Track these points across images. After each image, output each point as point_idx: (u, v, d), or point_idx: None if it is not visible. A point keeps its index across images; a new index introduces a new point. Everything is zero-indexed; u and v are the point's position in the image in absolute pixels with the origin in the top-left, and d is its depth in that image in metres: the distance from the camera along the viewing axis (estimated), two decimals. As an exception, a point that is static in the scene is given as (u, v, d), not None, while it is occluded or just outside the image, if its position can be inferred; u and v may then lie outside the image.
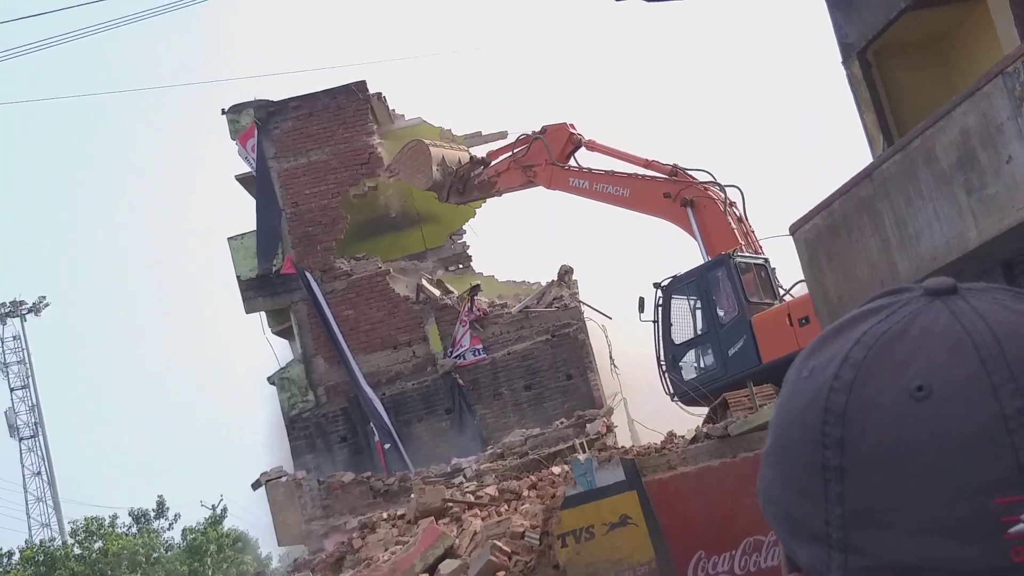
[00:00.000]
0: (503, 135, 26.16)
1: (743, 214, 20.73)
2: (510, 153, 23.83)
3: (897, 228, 10.59)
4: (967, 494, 0.75)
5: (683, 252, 21.03)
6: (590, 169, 22.64)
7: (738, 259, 19.14)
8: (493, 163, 24.21)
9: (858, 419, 0.79)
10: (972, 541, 0.75)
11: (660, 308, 19.77)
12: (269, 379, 24.41)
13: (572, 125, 23.34)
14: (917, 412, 0.77)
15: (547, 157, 22.86)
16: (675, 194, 20.78)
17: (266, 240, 24.40)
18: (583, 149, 23.03)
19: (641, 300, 19.77)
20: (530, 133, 23.58)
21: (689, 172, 21.28)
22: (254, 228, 24.70)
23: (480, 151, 25.25)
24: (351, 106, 24.94)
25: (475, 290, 24.23)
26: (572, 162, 23.03)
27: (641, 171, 21.89)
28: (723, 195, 20.72)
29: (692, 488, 16.33)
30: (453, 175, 24.46)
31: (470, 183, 24.40)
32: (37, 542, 44.91)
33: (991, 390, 0.76)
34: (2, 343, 59.92)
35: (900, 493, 0.77)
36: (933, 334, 0.80)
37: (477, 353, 23.64)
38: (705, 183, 21.01)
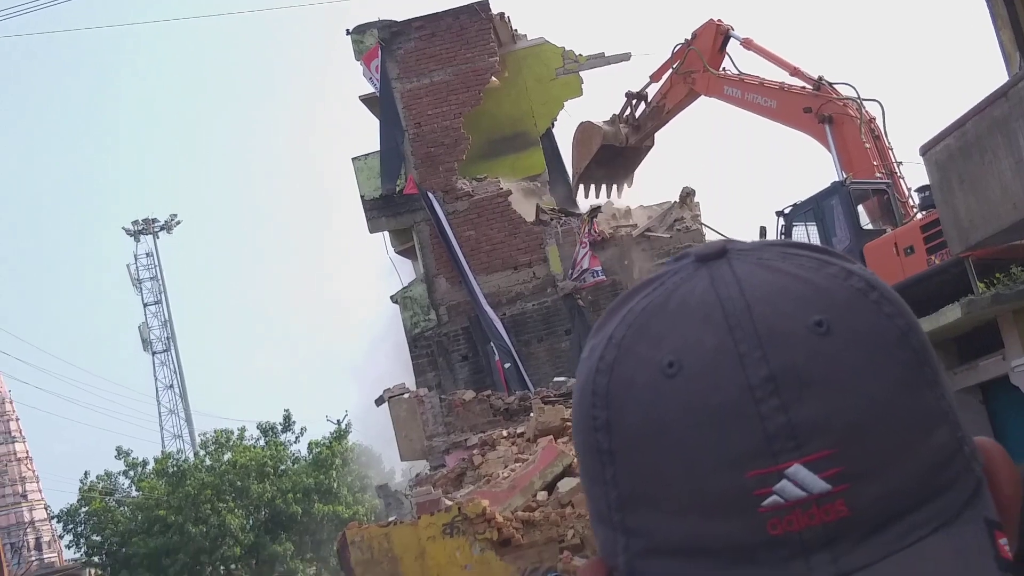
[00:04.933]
0: (626, 57, 25.89)
1: (883, 130, 20.36)
2: (670, 70, 23.83)
3: (1033, 149, 10.27)
4: (720, 469, 0.72)
5: (800, 178, 20.77)
6: (742, 78, 22.50)
7: (854, 186, 18.81)
8: (658, 85, 24.30)
9: (619, 400, 0.77)
10: (730, 517, 0.72)
11: (783, 236, 19.54)
12: (392, 298, 24.77)
13: (718, 20, 23.21)
14: (669, 388, 0.74)
15: (702, 64, 22.87)
16: (815, 109, 20.57)
17: (389, 161, 24.63)
18: (740, 48, 22.83)
19: (763, 229, 19.60)
20: (682, 44, 23.56)
21: (834, 85, 20.94)
22: (378, 149, 24.93)
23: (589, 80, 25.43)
24: (473, 26, 24.90)
25: (595, 212, 24.20)
26: (727, 62, 22.96)
27: (788, 79, 21.71)
28: (863, 112, 20.33)
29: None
30: (620, 120, 24.82)
31: (642, 117, 24.71)
32: (168, 453, 46.47)
33: (738, 359, 0.73)
34: (136, 260, 61.69)
35: (661, 473, 0.74)
36: (689, 305, 0.77)
37: (596, 275, 23.64)
38: (845, 99, 20.65)
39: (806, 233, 19.46)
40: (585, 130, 24.98)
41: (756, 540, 0.72)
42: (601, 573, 0.80)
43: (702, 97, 23.45)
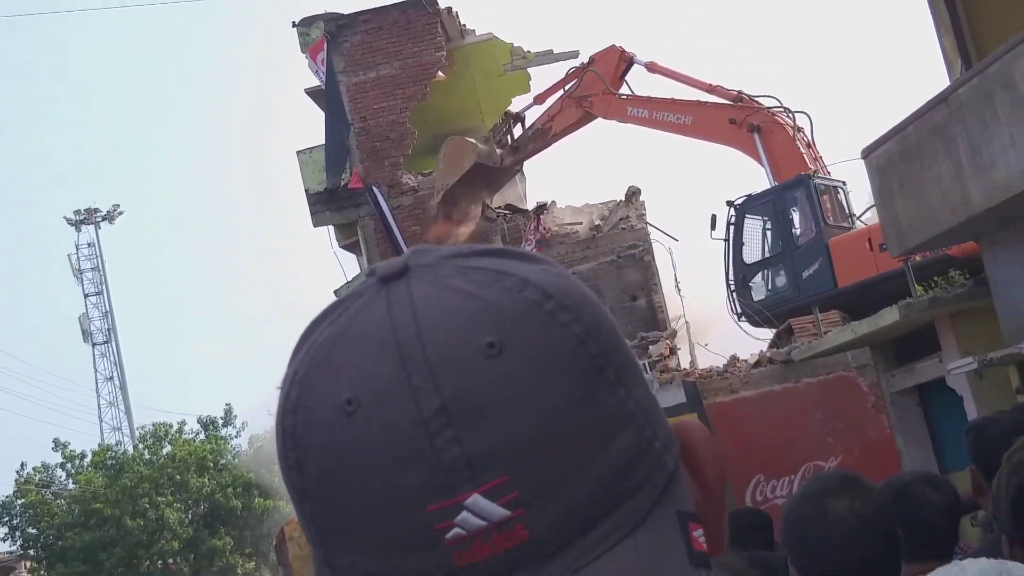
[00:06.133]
0: (575, 54, 25.78)
1: (811, 140, 20.35)
2: (561, 91, 23.27)
3: (971, 155, 10.36)
4: (400, 507, 0.72)
5: (752, 173, 20.71)
6: (649, 97, 21.97)
7: (817, 181, 18.88)
8: (545, 107, 23.64)
9: (305, 440, 0.76)
10: (417, 553, 0.72)
11: (732, 227, 19.50)
12: (336, 293, 24.62)
13: (621, 46, 22.77)
14: (349, 426, 0.73)
15: (603, 87, 22.23)
16: (741, 120, 20.18)
17: (335, 154, 24.47)
18: (645, 72, 22.40)
19: (713, 217, 19.51)
20: (578, 66, 23.10)
21: (755, 99, 20.83)
22: (323, 142, 24.78)
23: (537, 77, 25.00)
24: (420, 20, 24.79)
25: (541, 209, 24.17)
26: (625, 88, 22.43)
27: (705, 97, 21.29)
28: (791, 121, 20.31)
29: (753, 412, 16.35)
30: (494, 139, 24.09)
31: (522, 138, 23.93)
32: (106, 446, 46.05)
33: (410, 392, 0.72)
34: (77, 250, 60.97)
35: (349, 512, 0.74)
36: (367, 334, 0.75)
37: (542, 272, 23.58)
38: (772, 108, 20.57)
39: (761, 225, 19.48)
40: (456, 145, 23.90)
41: (444, 573, 0.72)
42: None
43: (597, 120, 22.75)
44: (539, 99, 23.90)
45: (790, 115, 20.36)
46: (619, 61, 22.52)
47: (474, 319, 0.74)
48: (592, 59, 22.89)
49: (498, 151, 23.99)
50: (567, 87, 23.14)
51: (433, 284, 0.76)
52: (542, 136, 23.66)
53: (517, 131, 24.20)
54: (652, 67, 22.32)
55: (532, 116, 24.07)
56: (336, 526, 0.75)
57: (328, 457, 0.74)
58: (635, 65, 22.56)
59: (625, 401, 0.76)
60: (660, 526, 0.75)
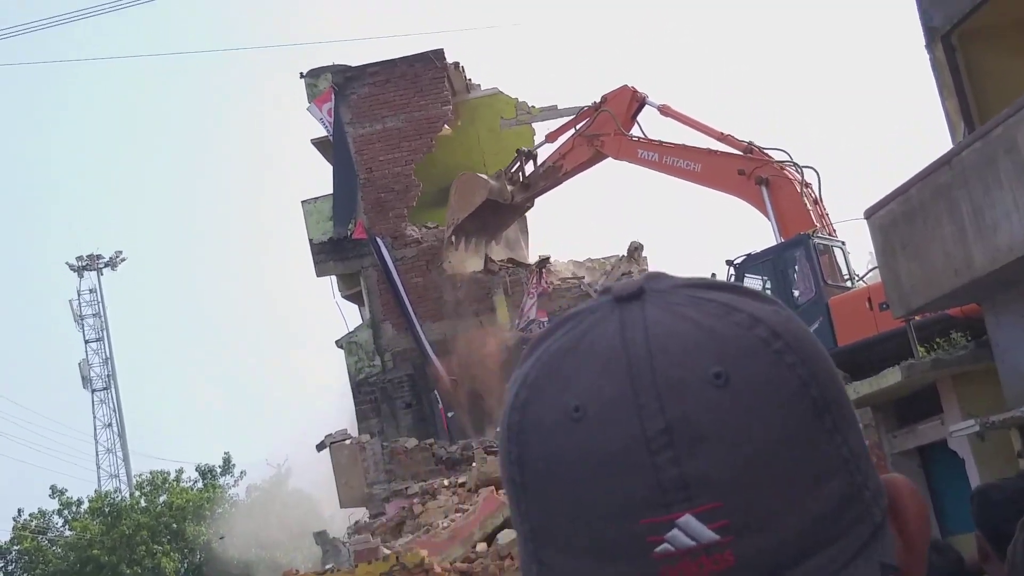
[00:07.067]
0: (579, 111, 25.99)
1: (819, 196, 20.39)
2: (573, 130, 23.41)
3: (974, 217, 10.41)
4: (614, 516, 0.76)
5: (752, 232, 20.73)
6: (660, 142, 22.08)
7: (816, 240, 18.88)
8: (557, 145, 23.79)
9: (528, 439, 0.80)
10: (624, 562, 0.76)
11: None
12: (337, 343, 24.63)
13: (633, 86, 22.94)
14: (572, 433, 0.77)
15: (614, 127, 22.36)
16: (749, 172, 20.29)
17: (343, 204, 24.56)
18: (658, 114, 22.51)
19: (713, 277, 19.49)
20: (591, 105, 23.25)
21: (766, 151, 20.90)
22: (328, 192, 24.87)
23: (541, 132, 25.09)
24: (428, 74, 24.99)
25: (543, 263, 24.21)
26: (637, 129, 22.57)
27: (715, 144, 21.40)
28: (799, 176, 20.36)
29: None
30: (506, 176, 24.20)
31: (533, 175, 24.05)
32: (104, 492, 45.82)
33: (636, 410, 0.75)
34: (79, 296, 60.89)
35: (561, 513, 0.78)
36: (599, 349, 0.79)
37: (542, 326, 23.57)
38: (781, 162, 20.62)
39: (761, 284, 19.41)
40: (468, 182, 24.12)
41: None
42: None
43: (606, 160, 22.91)
44: (551, 137, 24.03)
45: (799, 170, 20.41)
46: (631, 101, 22.69)
47: (704, 348, 0.77)
48: (604, 98, 23.04)
49: (509, 187, 24.08)
50: (579, 125, 23.28)
51: (666, 309, 0.79)
52: (553, 173, 23.78)
53: (528, 168, 24.31)
54: (665, 110, 22.46)
55: (543, 154, 24.23)
56: (549, 525, 0.79)
57: (550, 458, 0.78)
58: (648, 107, 22.72)
59: (840, 448, 0.78)
60: (863, 573, 0.76)
